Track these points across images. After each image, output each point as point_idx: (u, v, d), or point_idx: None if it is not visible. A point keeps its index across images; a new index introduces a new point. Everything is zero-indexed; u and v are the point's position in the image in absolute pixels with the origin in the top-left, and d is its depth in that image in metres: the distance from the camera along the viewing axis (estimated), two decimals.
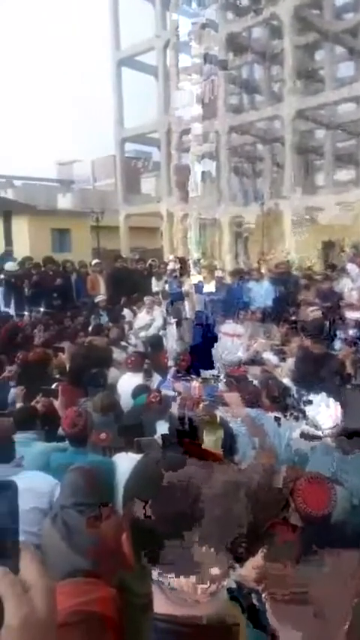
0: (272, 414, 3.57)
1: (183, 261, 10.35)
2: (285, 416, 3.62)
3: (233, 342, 7.61)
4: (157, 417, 3.38)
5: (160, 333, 7.66)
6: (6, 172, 27.82)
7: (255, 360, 5.26)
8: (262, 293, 9.59)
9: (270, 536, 1.72)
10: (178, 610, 0.75)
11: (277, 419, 3.47)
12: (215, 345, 7.31)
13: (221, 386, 4.67)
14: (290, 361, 5.62)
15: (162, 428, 3.28)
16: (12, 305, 9.40)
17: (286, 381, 4.44)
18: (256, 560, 1.62)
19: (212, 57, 18.33)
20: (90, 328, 7.69)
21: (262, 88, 23.88)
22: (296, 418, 3.65)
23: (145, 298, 8.83)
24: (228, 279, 11.12)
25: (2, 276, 9.80)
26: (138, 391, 4.22)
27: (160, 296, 8.85)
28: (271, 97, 22.77)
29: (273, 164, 23.97)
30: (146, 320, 8.35)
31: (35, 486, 2.62)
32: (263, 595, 1.40)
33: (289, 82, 18.87)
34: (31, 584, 0.54)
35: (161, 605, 0.76)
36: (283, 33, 18.74)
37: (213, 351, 7.26)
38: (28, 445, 3.27)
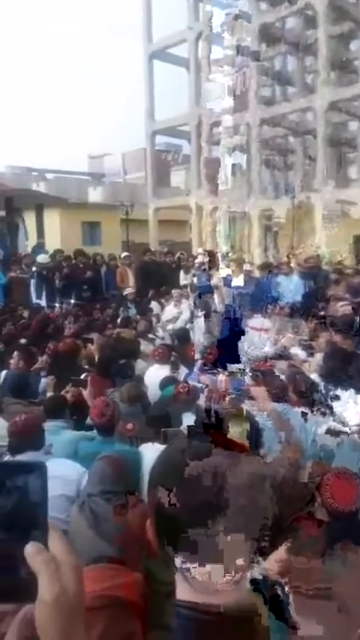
0: (299, 409, 3.54)
1: (212, 255, 10.32)
2: (312, 411, 3.59)
3: (260, 336, 7.57)
4: (184, 408, 3.40)
5: (187, 326, 7.68)
6: (38, 166, 28.28)
7: (282, 355, 5.21)
8: (290, 287, 9.48)
9: (294, 531, 1.71)
10: (200, 597, 0.76)
11: (303, 414, 3.44)
12: (242, 338, 7.28)
13: (247, 380, 4.66)
14: (318, 356, 5.55)
15: (188, 420, 3.30)
16: (43, 296, 9.57)
17: (314, 376, 4.40)
18: (279, 553, 1.62)
19: (244, 48, 18.11)
20: (119, 320, 7.77)
21: (294, 79, 23.45)
22: (323, 414, 3.61)
23: (172, 291, 8.86)
24: (257, 273, 11.02)
25: (34, 269, 9.98)
26: (166, 382, 4.24)
27: (189, 289, 8.86)
28: (303, 88, 22.35)
29: (305, 157, 23.53)
30: (173, 313, 8.39)
31: (63, 474, 2.68)
32: (287, 588, 1.41)
33: (323, 72, 18.48)
34: (61, 562, 0.56)
35: (184, 592, 0.78)
36: (317, 23, 18.32)
37: (239, 344, 7.25)
38: (57, 433, 3.34)
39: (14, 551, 0.56)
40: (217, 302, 7.55)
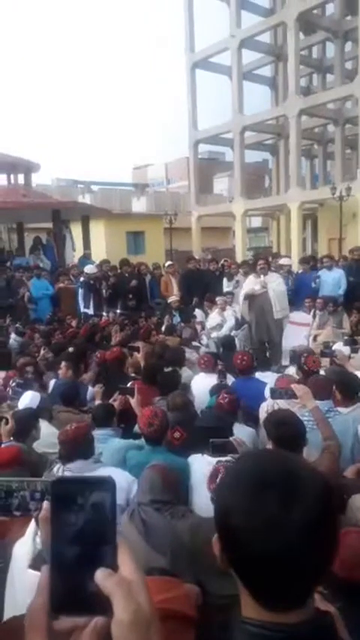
0: (343, 409, 3.44)
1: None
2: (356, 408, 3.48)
3: (300, 330, 7.43)
4: (233, 418, 3.36)
5: (233, 334, 7.61)
6: (83, 178, 29.05)
7: (326, 353, 5.05)
8: (329, 281, 9.29)
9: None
10: (268, 616, 0.74)
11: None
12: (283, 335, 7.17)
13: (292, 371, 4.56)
14: None
15: (238, 430, 3.26)
16: (91, 306, 9.76)
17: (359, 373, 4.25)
18: None
19: None
20: (163, 328, 7.80)
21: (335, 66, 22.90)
22: None
23: (217, 298, 8.81)
24: (296, 268, 10.82)
25: (82, 279, 10.20)
26: (216, 390, 4.21)
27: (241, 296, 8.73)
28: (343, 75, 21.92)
29: (345, 145, 22.97)
30: (218, 320, 8.34)
31: None
32: None
33: None
34: (131, 579, 0.56)
35: (251, 610, 0.76)
36: (358, 7, 17.62)
37: (283, 341, 7.12)
38: (106, 441, 3.38)
39: (86, 565, 0.56)
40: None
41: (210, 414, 3.35)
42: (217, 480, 2.04)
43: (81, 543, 0.57)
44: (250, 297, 7.25)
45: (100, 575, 0.55)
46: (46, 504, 0.85)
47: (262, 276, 7.11)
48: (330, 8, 22.41)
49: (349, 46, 22.97)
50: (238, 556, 0.75)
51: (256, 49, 23.26)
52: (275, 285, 7.17)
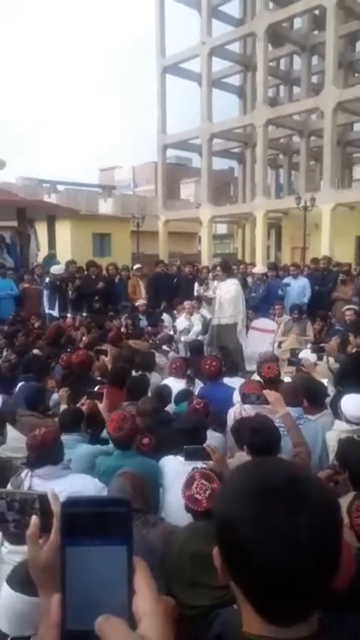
0: (312, 417, 3.50)
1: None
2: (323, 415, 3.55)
3: (264, 337, 7.52)
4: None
5: (200, 338, 7.61)
6: (50, 178, 28.60)
7: (292, 361, 5.12)
8: (295, 289, 9.51)
9: None
10: (273, 631, 0.71)
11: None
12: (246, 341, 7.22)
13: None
14: (329, 359, 5.48)
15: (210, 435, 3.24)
16: (56, 307, 9.56)
17: (325, 381, 4.33)
18: None
19: None
20: (126, 329, 7.71)
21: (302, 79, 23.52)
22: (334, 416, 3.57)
23: (185, 303, 8.81)
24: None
25: (47, 279, 9.98)
26: (181, 396, 4.18)
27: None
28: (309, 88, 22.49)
29: (309, 157, 23.59)
30: (185, 324, 8.33)
31: (82, 489, 2.62)
32: None
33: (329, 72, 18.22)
34: (149, 612, 0.53)
35: (253, 625, 0.73)
36: (326, 22, 17.93)
37: (248, 348, 7.16)
38: (73, 447, 3.30)
39: (101, 594, 0.52)
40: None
41: (187, 417, 3.33)
42: (194, 487, 2.01)
43: (97, 570, 0.52)
44: (208, 302, 7.25)
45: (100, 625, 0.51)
46: (34, 519, 0.81)
47: (215, 282, 7.10)
48: (298, 22, 22.96)
49: (315, 60, 23.63)
50: (244, 568, 0.71)
51: (226, 57, 23.57)
52: (223, 293, 7.12)
